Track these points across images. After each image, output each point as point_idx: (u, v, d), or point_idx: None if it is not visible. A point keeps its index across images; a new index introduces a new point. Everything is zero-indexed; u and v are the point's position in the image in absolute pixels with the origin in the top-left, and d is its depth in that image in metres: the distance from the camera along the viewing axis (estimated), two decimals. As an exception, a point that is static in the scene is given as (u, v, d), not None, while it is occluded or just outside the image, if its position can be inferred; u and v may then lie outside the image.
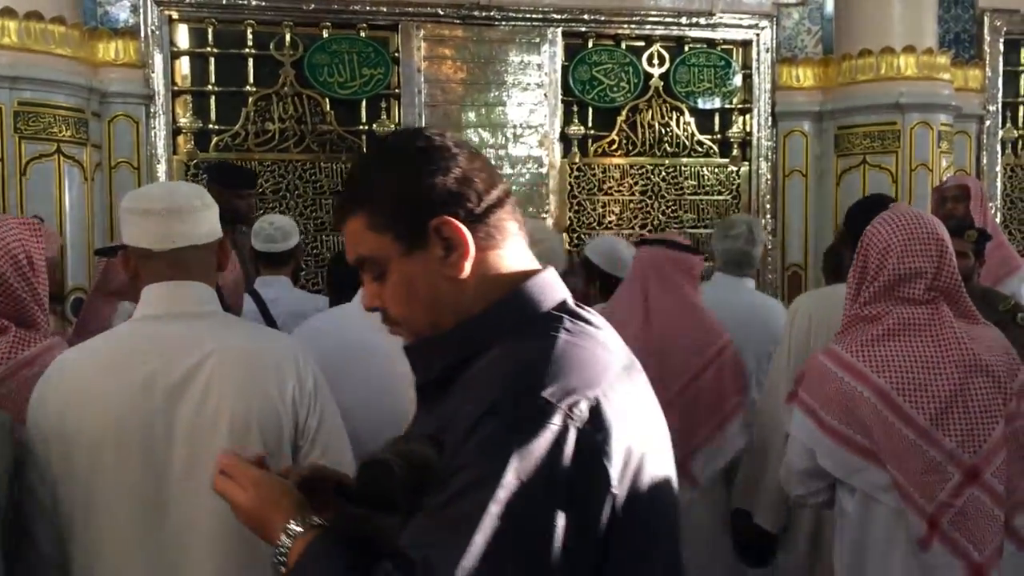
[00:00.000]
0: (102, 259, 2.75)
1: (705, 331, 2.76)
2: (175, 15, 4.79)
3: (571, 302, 1.13)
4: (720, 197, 5.46)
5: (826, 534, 2.61)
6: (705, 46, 5.44)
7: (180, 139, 4.84)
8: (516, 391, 0.99)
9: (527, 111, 5.19)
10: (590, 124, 5.32)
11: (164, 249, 1.67)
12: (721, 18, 5.36)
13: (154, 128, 4.70)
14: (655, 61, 5.37)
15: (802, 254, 5.40)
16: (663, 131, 5.39)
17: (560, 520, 0.96)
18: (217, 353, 1.63)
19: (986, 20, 5.72)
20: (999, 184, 5.82)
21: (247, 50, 4.89)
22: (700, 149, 5.45)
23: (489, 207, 1.08)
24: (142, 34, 4.68)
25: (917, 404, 1.94)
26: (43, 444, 1.60)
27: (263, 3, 4.81)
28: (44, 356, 2.05)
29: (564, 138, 5.26)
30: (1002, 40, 5.75)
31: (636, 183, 5.36)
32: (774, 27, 5.44)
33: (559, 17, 5.18)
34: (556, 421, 0.96)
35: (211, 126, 4.88)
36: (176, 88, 4.84)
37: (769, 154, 5.46)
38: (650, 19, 5.29)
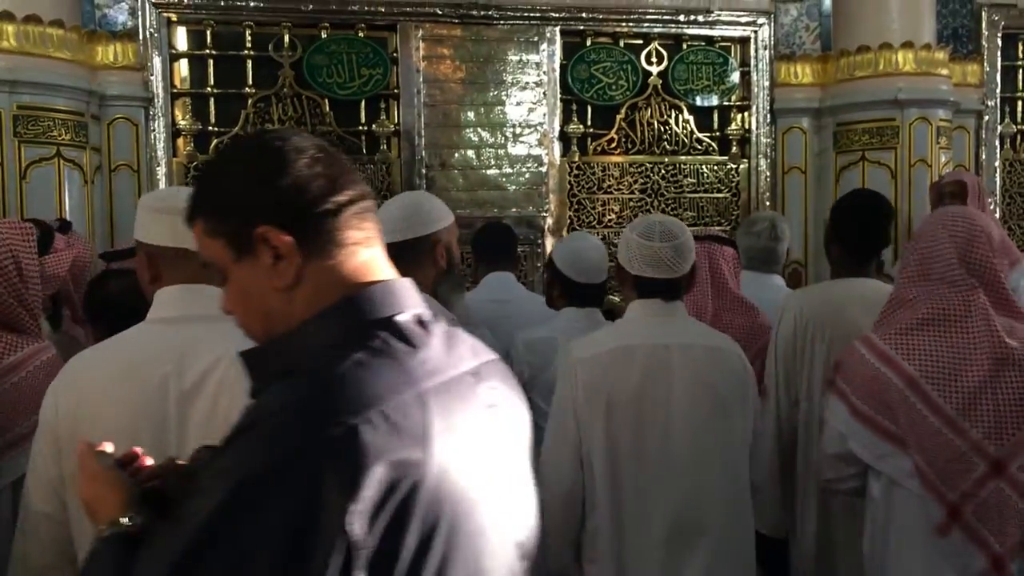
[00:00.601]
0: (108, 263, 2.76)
1: (754, 325, 2.83)
2: (173, 17, 4.79)
3: (406, 316, 1.04)
4: (720, 195, 5.46)
5: (835, 536, 2.62)
6: (703, 44, 5.44)
7: (180, 141, 4.84)
8: (271, 409, 0.95)
9: (526, 110, 5.19)
10: (589, 122, 5.33)
11: (179, 247, 1.64)
12: (719, 15, 5.36)
13: (154, 130, 4.70)
14: (653, 59, 5.38)
15: (802, 251, 5.41)
16: (662, 129, 5.39)
17: (266, 556, 0.86)
18: (229, 357, 1.61)
19: (984, 15, 5.72)
20: (998, 179, 5.83)
21: (246, 52, 4.90)
22: (699, 147, 5.45)
23: (324, 215, 1.03)
24: (141, 37, 4.68)
25: (945, 392, 1.95)
26: (54, 445, 1.59)
27: (261, 4, 4.81)
28: (30, 361, 2.05)
29: (563, 136, 5.26)
30: (1000, 35, 5.76)
31: (636, 181, 5.36)
32: (772, 24, 5.44)
33: (557, 16, 5.18)
34: (296, 445, 0.88)
35: (211, 128, 4.88)
36: (175, 90, 4.84)
37: (768, 151, 5.46)
38: (648, 17, 5.29)
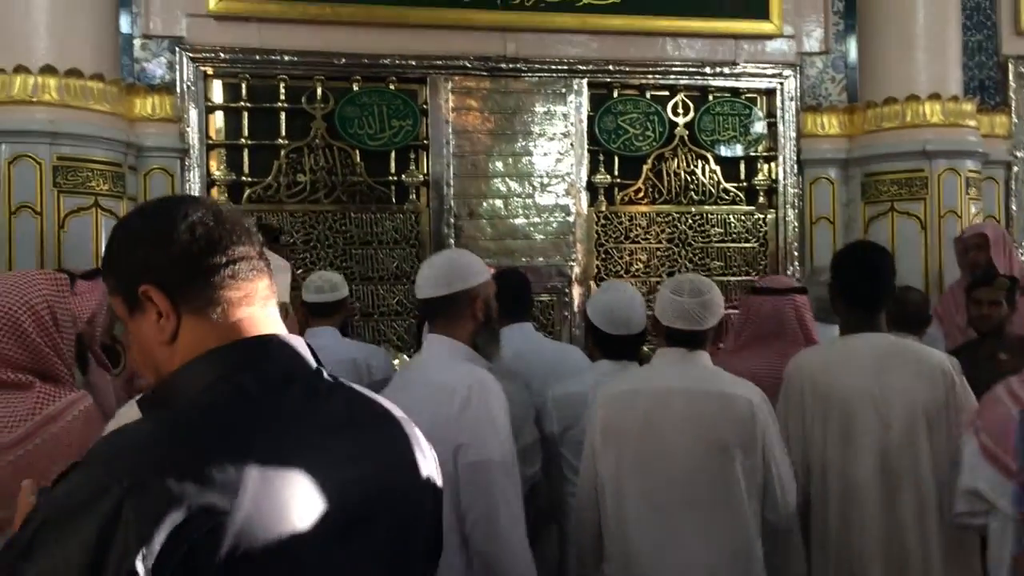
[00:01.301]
0: None
1: None
2: (210, 71, 4.92)
3: (263, 371, 1.09)
4: (747, 244, 5.46)
5: None
6: (729, 95, 5.49)
7: (214, 191, 4.93)
8: (85, 462, 0.99)
9: (553, 160, 5.24)
10: (616, 173, 5.37)
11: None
12: (745, 68, 5.42)
13: (189, 181, 4.80)
14: (680, 110, 5.43)
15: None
16: (689, 179, 5.42)
17: None
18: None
19: (1010, 67, 5.74)
20: (1028, 229, 5.79)
21: (279, 104, 5.00)
22: (726, 197, 5.47)
23: (201, 277, 1.10)
24: (178, 89, 4.80)
25: None
26: None
27: (295, 58, 4.93)
28: (69, 411, 2.07)
29: (591, 187, 5.31)
30: (1027, 86, 5.77)
31: (663, 231, 5.38)
32: (798, 76, 5.49)
33: (584, 68, 5.26)
34: (102, 487, 0.93)
35: (244, 178, 4.97)
36: (210, 141, 4.94)
37: (796, 201, 5.47)
38: (674, 69, 5.36)
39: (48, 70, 4.19)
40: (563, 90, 5.27)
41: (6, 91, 4.15)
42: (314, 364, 1.16)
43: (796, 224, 5.46)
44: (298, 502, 1.02)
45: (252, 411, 1.05)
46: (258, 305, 1.14)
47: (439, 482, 1.27)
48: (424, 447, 1.26)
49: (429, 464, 1.25)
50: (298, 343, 1.16)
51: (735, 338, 3.31)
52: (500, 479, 2.00)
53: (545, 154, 5.24)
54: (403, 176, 5.10)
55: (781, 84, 5.49)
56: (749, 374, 2.54)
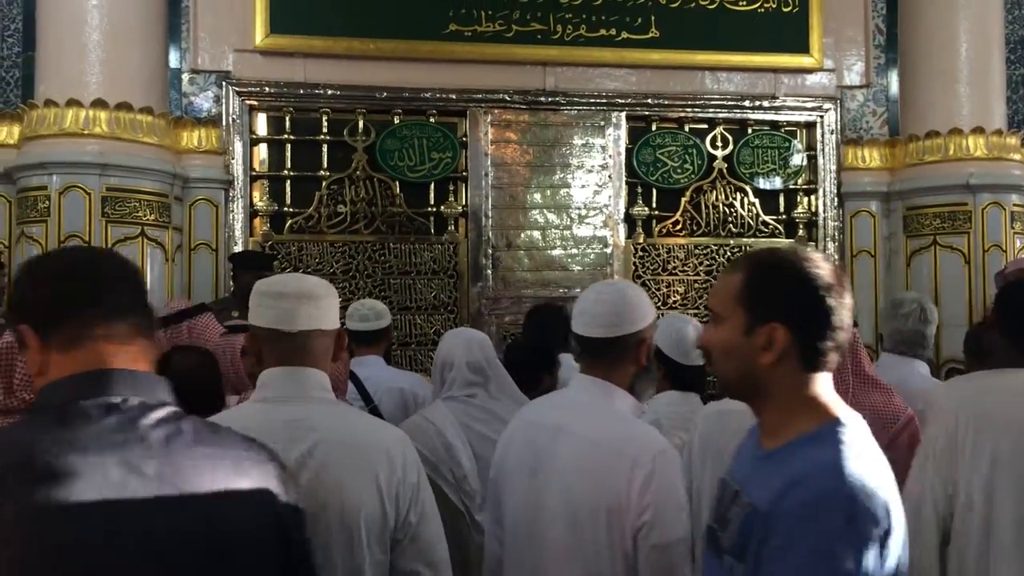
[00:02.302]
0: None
1: (890, 404, 2.76)
2: (255, 104, 5.03)
3: (90, 401, 1.21)
4: (787, 278, 5.41)
5: None
6: (768, 128, 5.49)
7: (256, 221, 5.02)
8: None
9: (591, 192, 5.26)
10: (654, 205, 5.38)
11: (292, 331, 1.73)
12: (784, 101, 5.41)
13: (232, 211, 4.89)
14: (719, 143, 5.43)
15: (873, 336, 5.30)
16: (727, 212, 5.41)
17: None
18: (325, 442, 1.67)
19: (1056, 99, 5.66)
20: (1077, 264, 5.67)
21: (322, 136, 5.09)
22: (765, 229, 5.44)
23: (61, 319, 1.25)
24: (224, 123, 4.91)
25: None
26: None
27: (338, 92, 5.02)
28: None
29: (628, 219, 5.31)
30: (1074, 119, 5.68)
31: (701, 263, 5.36)
32: (838, 109, 5.47)
33: (623, 101, 5.29)
34: None
35: (286, 208, 5.06)
36: (254, 173, 5.04)
37: (836, 234, 5.43)
38: (713, 103, 5.37)
39: (99, 104, 4.31)
40: (602, 123, 5.30)
41: (58, 124, 4.28)
42: (164, 399, 1.27)
43: (836, 257, 5.41)
44: (53, 512, 1.12)
45: (56, 434, 1.18)
46: (114, 343, 1.26)
47: (275, 528, 1.29)
48: (272, 491, 1.29)
49: (267, 508, 1.28)
50: (154, 380, 1.28)
51: None
52: (683, 557, 1.89)
53: (583, 186, 5.26)
54: (442, 207, 5.15)
55: (821, 117, 5.48)
56: None
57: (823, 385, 1.40)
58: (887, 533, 1.26)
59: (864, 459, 1.31)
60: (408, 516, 1.71)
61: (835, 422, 1.37)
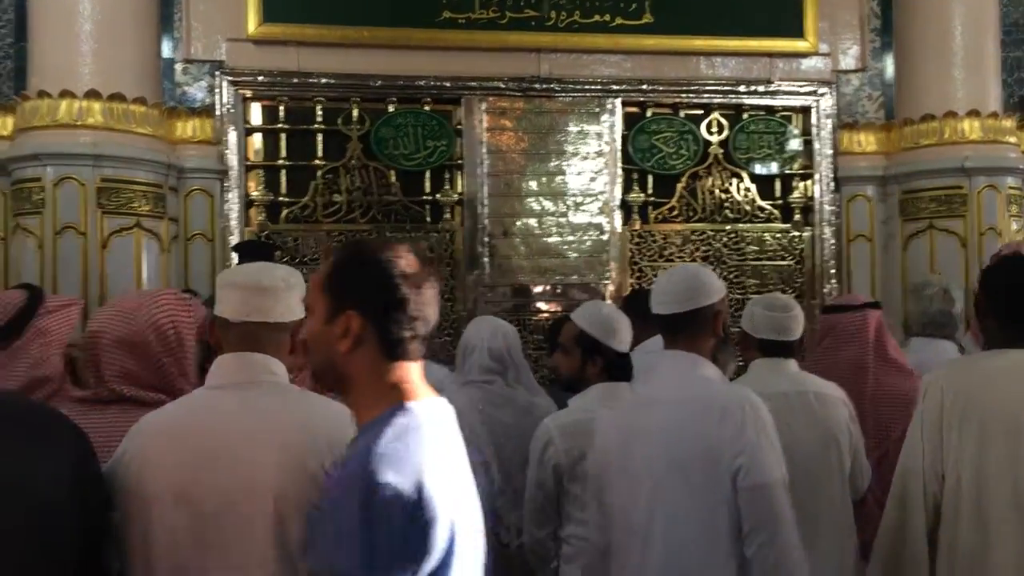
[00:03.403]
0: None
1: (914, 389, 2.83)
2: (248, 94, 5.01)
3: None
4: (783, 262, 5.42)
5: None
6: (764, 113, 5.47)
7: (252, 211, 5.01)
8: None
9: (587, 179, 5.26)
10: (650, 191, 5.37)
11: (238, 320, 1.76)
12: (779, 86, 5.40)
13: (228, 201, 4.88)
14: (714, 129, 5.42)
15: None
16: (723, 197, 5.41)
17: None
18: (268, 429, 1.67)
19: (1052, 82, 5.65)
20: (1073, 247, 5.67)
21: (316, 126, 5.08)
22: (761, 215, 5.44)
23: None
24: (217, 112, 4.90)
25: None
26: (121, 495, 1.66)
27: (332, 81, 5.01)
28: None
29: (624, 205, 5.31)
30: (1069, 101, 5.67)
31: (697, 249, 5.36)
32: (834, 93, 5.46)
33: (618, 88, 5.27)
34: None
35: (281, 198, 5.05)
36: (248, 163, 5.03)
37: (832, 219, 5.43)
38: (708, 88, 5.36)
39: (92, 94, 4.29)
40: (597, 109, 5.29)
41: (52, 115, 4.27)
42: None
43: (833, 242, 5.41)
44: None
45: None
46: None
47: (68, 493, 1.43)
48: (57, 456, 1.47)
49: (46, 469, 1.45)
50: None
51: (811, 358, 3.31)
52: (781, 497, 2.03)
53: (579, 173, 5.25)
54: (438, 196, 5.14)
55: (817, 102, 5.46)
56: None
57: (406, 373, 1.42)
58: (425, 522, 1.27)
59: (410, 445, 1.32)
60: None
61: (396, 407, 1.38)
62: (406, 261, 1.42)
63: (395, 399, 1.40)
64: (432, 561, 1.27)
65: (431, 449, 1.34)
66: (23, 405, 1.76)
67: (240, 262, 4.40)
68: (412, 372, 1.43)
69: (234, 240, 4.83)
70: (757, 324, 2.72)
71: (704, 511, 2.03)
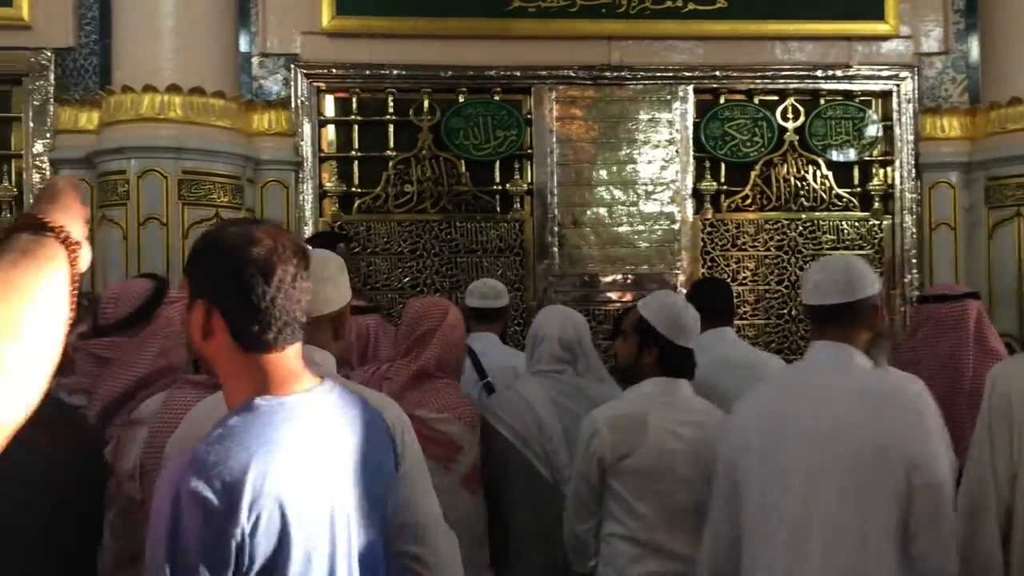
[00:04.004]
0: None
1: None
2: (323, 86, 5.09)
3: None
4: (862, 252, 5.27)
5: None
6: (842, 98, 5.33)
7: (326, 202, 5.10)
8: None
9: (658, 168, 5.20)
10: (723, 180, 5.28)
11: None
12: (859, 70, 5.25)
13: (302, 192, 4.98)
14: (789, 115, 5.30)
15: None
16: (799, 185, 5.29)
17: None
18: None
19: None
20: None
21: (388, 116, 5.14)
22: (839, 203, 5.31)
23: None
24: (293, 105, 4.99)
25: None
26: None
27: (403, 72, 5.05)
28: None
29: (696, 194, 5.23)
30: None
31: (771, 238, 5.26)
32: (915, 77, 5.28)
33: (690, 75, 5.20)
34: None
35: (354, 189, 5.12)
36: (323, 154, 5.11)
37: (914, 207, 5.26)
38: (783, 73, 5.24)
39: (174, 89, 4.42)
40: (668, 97, 5.22)
41: (136, 109, 4.41)
42: None
43: (914, 230, 5.25)
44: None
45: None
46: None
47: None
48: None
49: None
50: None
51: (905, 347, 3.27)
52: (948, 497, 1.98)
53: (650, 162, 5.20)
54: (507, 185, 5.16)
55: (897, 86, 5.30)
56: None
57: (265, 365, 1.34)
58: (231, 532, 1.21)
59: (232, 449, 1.25)
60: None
61: (243, 404, 1.32)
62: (262, 248, 1.32)
63: (249, 392, 1.34)
64: (247, 569, 1.23)
65: (274, 449, 1.27)
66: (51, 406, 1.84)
67: None
68: (273, 364, 1.35)
69: (308, 230, 4.93)
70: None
71: (869, 506, 1.95)
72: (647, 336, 2.46)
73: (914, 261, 5.23)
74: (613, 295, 5.14)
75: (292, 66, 5.01)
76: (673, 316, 2.46)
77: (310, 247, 1.55)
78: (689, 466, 2.34)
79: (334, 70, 5.04)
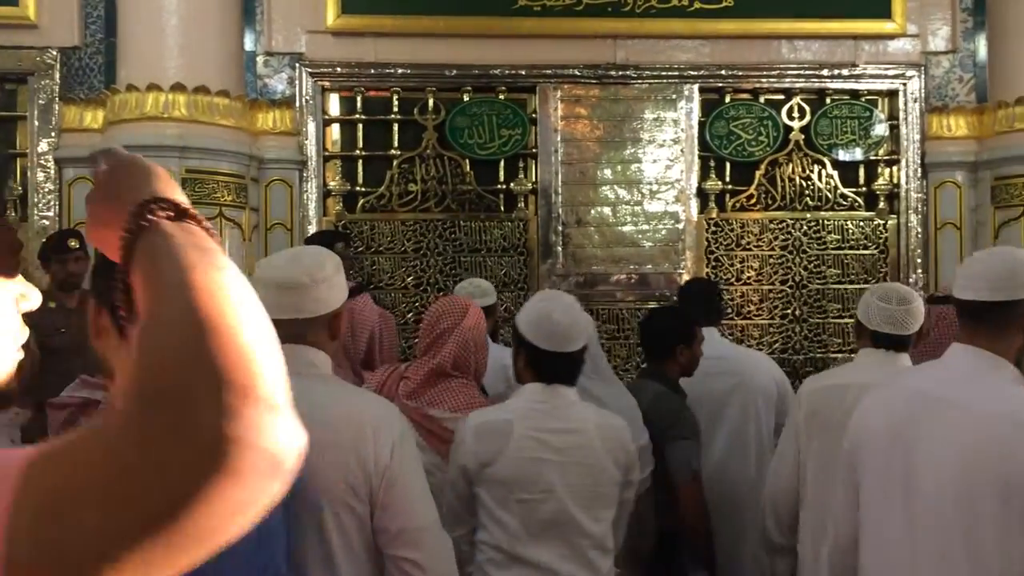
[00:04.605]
0: None
1: None
2: (327, 85, 5.09)
3: None
4: (866, 252, 5.26)
5: None
6: (848, 97, 5.31)
7: (330, 201, 5.10)
8: None
9: (663, 167, 5.19)
10: (727, 179, 5.27)
11: (271, 319, 1.79)
12: (865, 69, 5.23)
13: (306, 191, 4.98)
14: (795, 114, 5.28)
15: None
16: (804, 184, 5.27)
17: None
18: (315, 421, 1.71)
19: None
20: None
21: (393, 116, 5.14)
22: (844, 202, 5.29)
23: None
24: (297, 104, 4.99)
25: None
26: None
27: (408, 71, 5.05)
28: None
29: (701, 193, 5.22)
30: None
31: (776, 238, 5.24)
32: (922, 76, 5.26)
33: (695, 73, 5.18)
34: None
35: (358, 188, 5.12)
36: (327, 153, 5.12)
37: (919, 206, 5.24)
38: (789, 72, 5.22)
39: (178, 88, 4.42)
40: (673, 96, 5.21)
41: (140, 108, 4.42)
42: None
43: (920, 230, 5.23)
44: None
45: None
46: None
47: None
48: None
49: None
50: None
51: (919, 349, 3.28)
52: None
53: (654, 161, 5.19)
54: (512, 184, 5.15)
55: (904, 85, 5.27)
56: None
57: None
58: None
59: None
60: (378, 492, 1.75)
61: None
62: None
63: None
64: None
65: None
66: None
67: None
68: None
69: (312, 229, 4.93)
70: (871, 315, 2.66)
71: (989, 539, 1.76)
72: (519, 342, 2.35)
73: (919, 261, 5.21)
74: (617, 295, 5.14)
75: (297, 65, 5.02)
76: (540, 321, 2.30)
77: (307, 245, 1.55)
78: (558, 476, 2.20)
79: (339, 69, 5.04)
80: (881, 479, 1.95)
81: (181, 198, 0.73)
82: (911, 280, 5.16)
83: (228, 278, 0.66)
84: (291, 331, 1.77)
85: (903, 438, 1.90)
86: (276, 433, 0.57)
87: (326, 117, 5.13)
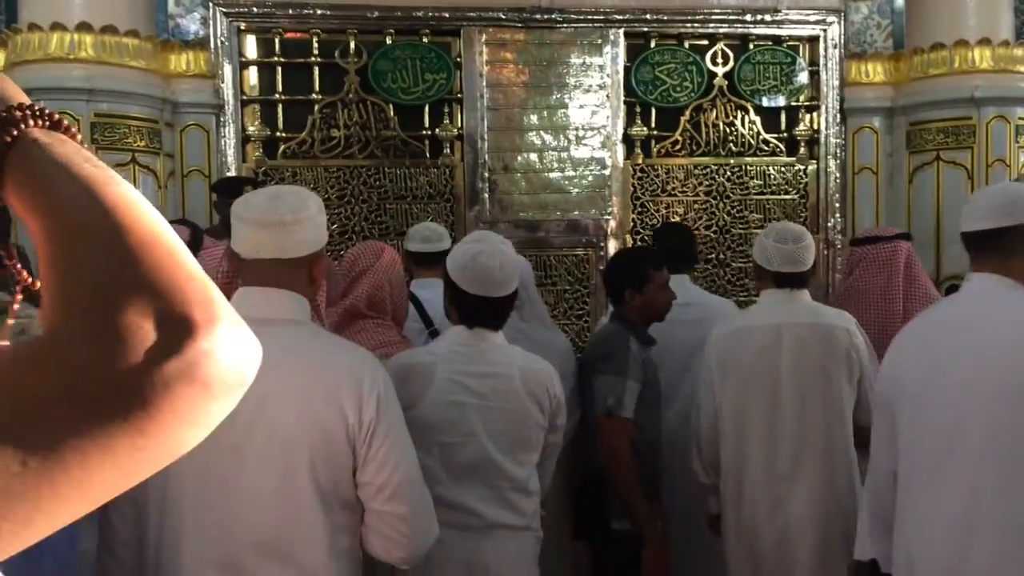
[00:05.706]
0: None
1: None
2: (243, 26, 4.91)
3: None
4: (787, 196, 5.36)
5: None
6: (770, 43, 5.35)
7: (249, 147, 4.95)
8: None
9: (589, 113, 5.17)
10: (653, 125, 5.28)
11: (250, 258, 1.74)
12: (787, 14, 5.27)
13: (224, 137, 4.82)
14: (719, 60, 5.31)
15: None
16: (728, 130, 5.32)
17: None
18: (278, 367, 1.67)
19: (1067, 9, 5.51)
20: (1082, 179, 5.60)
21: (313, 59, 4.98)
22: (766, 148, 5.36)
23: None
24: (212, 45, 4.80)
25: None
26: None
27: (328, 12, 4.90)
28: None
29: (627, 139, 5.23)
30: (1084, 29, 5.53)
31: (700, 183, 5.30)
32: (842, 22, 5.33)
33: (621, 18, 5.15)
34: None
35: (278, 134, 4.98)
36: (244, 97, 4.95)
37: (838, 152, 5.34)
38: (714, 17, 5.23)
39: (84, 27, 4.22)
40: (599, 41, 5.17)
41: (43, 49, 4.20)
42: None
43: (838, 175, 5.34)
44: None
45: None
46: None
47: None
48: None
49: None
50: None
51: (840, 288, 3.42)
52: None
53: (581, 107, 5.16)
54: (437, 130, 5.07)
55: (824, 31, 5.34)
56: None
57: None
58: None
59: None
60: (361, 447, 1.72)
61: None
62: None
63: None
64: None
65: None
66: None
67: (218, 203, 4.30)
68: None
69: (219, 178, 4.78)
70: (770, 256, 2.80)
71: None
72: (447, 285, 2.34)
73: (837, 205, 5.33)
74: (545, 241, 5.13)
75: (210, 4, 4.81)
76: (466, 264, 2.28)
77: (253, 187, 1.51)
78: (480, 420, 2.21)
79: (255, 8, 4.86)
80: (919, 409, 1.99)
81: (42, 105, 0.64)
82: (830, 224, 5.28)
83: (132, 191, 0.61)
84: (267, 273, 1.72)
85: (939, 367, 1.95)
86: (235, 342, 0.56)
87: (243, 59, 4.95)
